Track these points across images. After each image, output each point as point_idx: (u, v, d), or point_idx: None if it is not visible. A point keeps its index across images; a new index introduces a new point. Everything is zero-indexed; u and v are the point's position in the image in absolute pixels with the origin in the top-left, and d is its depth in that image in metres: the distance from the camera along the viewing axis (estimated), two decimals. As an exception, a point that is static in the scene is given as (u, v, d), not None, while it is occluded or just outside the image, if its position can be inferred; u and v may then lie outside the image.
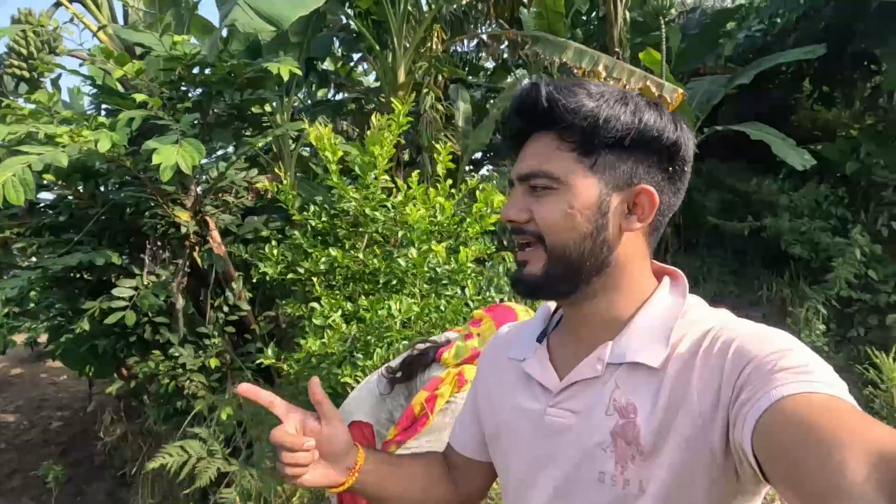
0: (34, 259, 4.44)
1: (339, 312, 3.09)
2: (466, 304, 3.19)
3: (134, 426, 4.82)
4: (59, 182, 3.99)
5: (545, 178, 0.77)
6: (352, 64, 8.62)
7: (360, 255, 3.41)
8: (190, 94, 4.14)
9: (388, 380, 1.93)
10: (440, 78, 6.84)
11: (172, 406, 4.25)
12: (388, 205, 3.59)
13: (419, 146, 6.59)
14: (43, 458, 5.36)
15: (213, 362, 4.16)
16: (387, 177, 3.68)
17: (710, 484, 0.69)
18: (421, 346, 1.95)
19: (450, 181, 3.64)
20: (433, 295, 3.29)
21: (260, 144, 4.37)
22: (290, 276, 3.46)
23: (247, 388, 0.85)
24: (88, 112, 4.65)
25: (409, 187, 3.55)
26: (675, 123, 0.78)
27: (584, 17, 8.44)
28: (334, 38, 6.51)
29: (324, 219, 3.65)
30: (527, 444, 0.86)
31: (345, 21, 6.46)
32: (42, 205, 4.39)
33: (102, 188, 4.49)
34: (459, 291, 3.39)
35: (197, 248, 4.41)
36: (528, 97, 0.78)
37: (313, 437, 0.86)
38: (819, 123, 8.44)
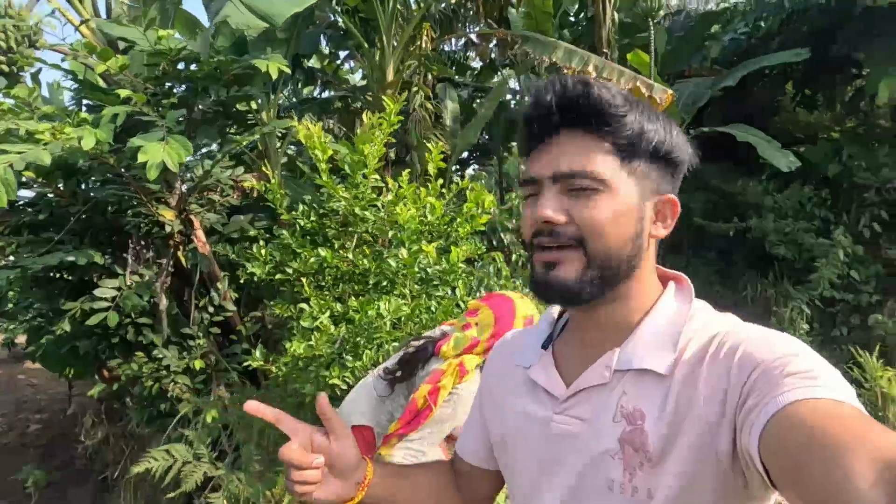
0: (13, 258, 4.35)
1: (328, 313, 3.05)
2: (457, 305, 3.17)
3: (116, 429, 4.73)
4: (39, 179, 3.89)
5: (590, 180, 0.74)
6: (338, 62, 8.56)
7: (350, 256, 3.37)
8: (175, 90, 4.06)
9: (387, 381, 1.92)
10: (429, 77, 6.81)
11: (156, 409, 4.17)
12: (379, 204, 3.55)
13: (407, 145, 6.55)
14: (22, 461, 5.23)
15: (198, 364, 4.09)
16: (377, 176, 3.65)
17: (718, 490, 0.68)
18: (416, 342, 1.94)
19: (440, 181, 3.61)
20: (424, 296, 3.26)
21: (246, 142, 4.30)
22: (278, 276, 3.41)
23: (253, 406, 0.82)
24: (69, 108, 4.54)
25: (399, 186, 3.52)
26: (685, 139, 0.81)
27: (572, 18, 8.47)
28: (322, 36, 6.45)
29: (313, 218, 3.61)
30: (534, 452, 0.84)
31: (332, 18, 6.40)
32: (21, 203, 4.28)
33: (84, 186, 4.39)
34: (450, 292, 3.36)
35: (181, 247, 4.34)
36: (571, 92, 0.75)
37: (322, 453, 0.84)
38: (801, 126, 8.57)
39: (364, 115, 3.59)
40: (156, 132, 3.27)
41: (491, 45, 7.96)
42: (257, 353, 3.26)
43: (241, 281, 3.79)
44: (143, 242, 4.18)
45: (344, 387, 2.79)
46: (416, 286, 3.31)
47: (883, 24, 6.31)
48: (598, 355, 0.79)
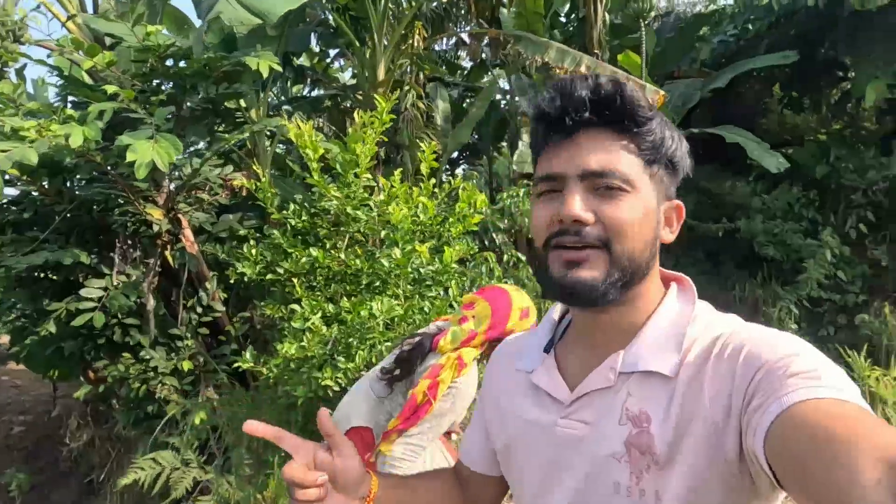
0: (-4, 258, 4.26)
1: (320, 314, 3.01)
2: (450, 306, 3.15)
3: (101, 431, 4.66)
4: (24, 177, 3.82)
5: (620, 180, 0.73)
6: (328, 60, 8.50)
7: (342, 256, 3.34)
8: (163, 87, 4.00)
9: (385, 381, 1.91)
10: (421, 76, 6.79)
11: (143, 410, 4.11)
12: (371, 204, 3.52)
13: (397, 145, 6.53)
14: (5, 464, 5.14)
15: (186, 365, 4.04)
16: (368, 175, 3.62)
17: (726, 491, 0.68)
18: (412, 340, 1.94)
19: (433, 180, 3.59)
20: (417, 296, 3.24)
21: (235, 140, 4.25)
22: (269, 276, 3.37)
23: (253, 427, 0.79)
24: (54, 104, 4.46)
25: (391, 186, 3.49)
26: (688, 148, 0.83)
27: (563, 19, 8.48)
28: (312, 33, 6.40)
29: (304, 218, 3.57)
30: (539, 457, 0.83)
31: (323, 16, 6.35)
32: (5, 201, 4.20)
33: (70, 184, 4.33)
34: (442, 292, 3.34)
35: (169, 246, 4.29)
36: (605, 89, 0.73)
37: (325, 470, 0.82)
38: (787, 128, 8.66)
39: (356, 114, 3.56)
40: (144, 130, 3.21)
41: (482, 45, 7.95)
42: (247, 355, 3.21)
43: (231, 281, 3.75)
44: (130, 241, 4.13)
45: (336, 388, 2.76)
46: (408, 286, 3.29)
47: (869, 28, 6.38)
48: (601, 358, 0.78)
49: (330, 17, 6.14)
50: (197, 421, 3.61)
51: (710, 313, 0.79)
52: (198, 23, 4.80)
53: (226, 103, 4.34)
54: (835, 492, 0.50)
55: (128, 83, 3.68)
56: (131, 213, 4.03)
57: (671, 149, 0.77)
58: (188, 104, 4.12)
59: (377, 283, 3.29)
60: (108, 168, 3.69)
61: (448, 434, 2.09)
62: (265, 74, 3.69)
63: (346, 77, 9.73)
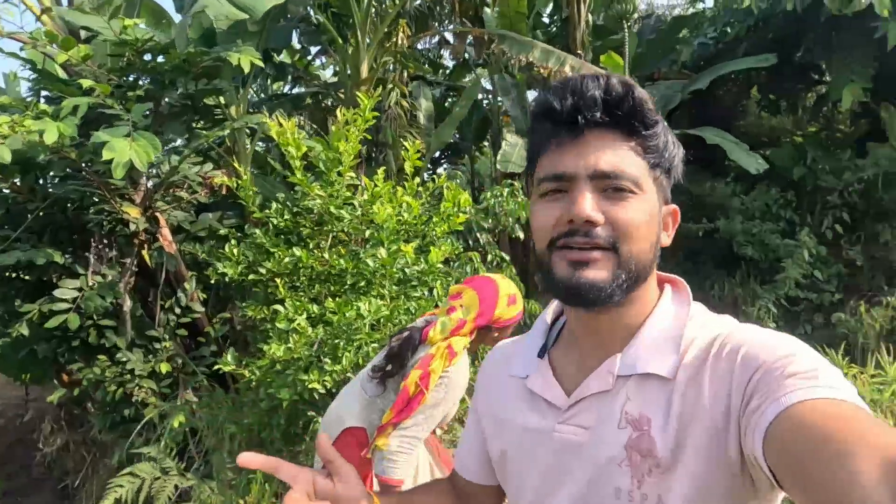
0: (-36, 257, 4.12)
1: (305, 315, 2.96)
2: (436, 306, 3.12)
3: (76, 436, 4.54)
4: (-6, 174, 3.70)
5: (629, 181, 0.72)
6: (310, 57, 8.41)
7: (326, 255, 3.29)
8: (141, 83, 3.91)
9: (377, 379, 1.90)
10: (405, 74, 6.75)
11: (119, 414, 4.02)
12: (355, 203, 3.48)
13: (378, 143, 6.48)
14: (-26, 470, 4.99)
15: (164, 367, 3.96)
16: (352, 174, 3.57)
17: (729, 493, 0.67)
18: (400, 336, 1.94)
19: (417, 179, 3.56)
20: (402, 297, 3.21)
21: (214, 137, 4.17)
22: (251, 276, 3.31)
23: (247, 459, 0.76)
24: (27, 99, 4.34)
25: (374, 185, 3.45)
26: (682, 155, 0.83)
27: (546, 20, 8.51)
28: (294, 30, 6.31)
29: (286, 217, 3.51)
30: (538, 464, 0.82)
31: (305, 12, 6.27)
32: (-26, 199, 4.07)
33: (43, 181, 4.21)
34: (427, 293, 3.32)
35: (146, 246, 4.20)
36: (616, 90, 0.72)
37: (327, 497, 0.79)
38: (765, 129, 8.82)
39: (339, 112, 3.51)
40: (121, 127, 3.12)
41: (466, 44, 7.94)
42: (228, 357, 3.15)
43: (211, 281, 3.68)
44: (105, 241, 4.04)
45: (322, 391, 2.71)
46: (394, 287, 3.26)
47: (846, 33, 6.51)
48: (598, 361, 0.78)
49: (312, 14, 6.06)
50: (175, 424, 3.53)
51: (706, 314, 0.79)
52: (177, 17, 4.71)
53: (205, 100, 4.26)
54: (834, 492, 0.50)
55: (104, 78, 3.58)
56: (107, 211, 3.94)
57: (673, 153, 0.77)
58: (166, 100, 4.03)
59: (362, 284, 3.25)
60: (84, 165, 3.59)
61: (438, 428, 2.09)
62: (246, 70, 3.63)
63: (328, 75, 9.63)
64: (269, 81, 8.14)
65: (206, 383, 4.15)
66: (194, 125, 4.54)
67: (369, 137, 3.75)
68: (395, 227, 3.33)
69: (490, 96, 8.91)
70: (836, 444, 0.52)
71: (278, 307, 3.09)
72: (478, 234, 4.77)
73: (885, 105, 6.88)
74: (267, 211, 3.51)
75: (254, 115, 4.61)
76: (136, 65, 3.72)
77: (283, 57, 7.54)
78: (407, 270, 3.24)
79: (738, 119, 8.74)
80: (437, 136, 6.58)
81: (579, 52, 6.23)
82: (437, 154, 9.48)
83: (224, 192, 5.06)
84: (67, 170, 3.96)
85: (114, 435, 4.10)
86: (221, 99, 4.60)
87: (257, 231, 3.43)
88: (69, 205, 4.08)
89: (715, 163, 7.38)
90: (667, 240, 0.80)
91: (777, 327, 5.99)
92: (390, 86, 6.09)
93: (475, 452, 0.98)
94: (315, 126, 7.39)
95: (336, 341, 2.82)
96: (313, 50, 7.94)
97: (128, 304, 3.95)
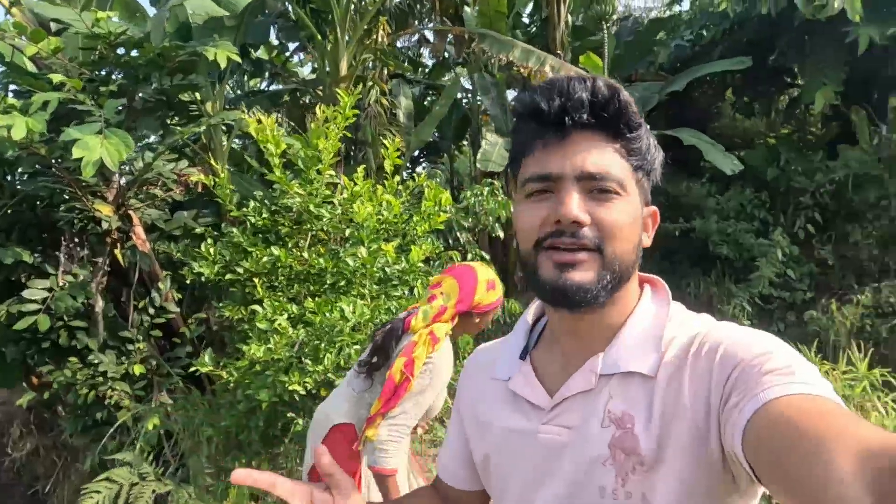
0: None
1: (285, 315, 2.92)
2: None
3: (46, 440, 4.42)
4: (-41, 170, 3.58)
5: (615, 183, 0.73)
6: (287, 54, 8.31)
7: (305, 255, 3.25)
8: (114, 77, 3.81)
9: (364, 374, 1.93)
10: (385, 72, 6.70)
11: (91, 418, 3.91)
12: (335, 201, 3.44)
13: (357, 141, 6.43)
14: (-62, 477, 4.81)
15: (138, 369, 3.87)
16: (332, 172, 3.53)
17: (712, 489, 0.68)
18: (383, 329, 1.96)
19: (397, 178, 3.54)
20: (383, 296, 3.18)
21: (189, 134, 4.08)
22: (228, 276, 3.25)
23: (242, 475, 0.74)
24: (-7, 93, 4.20)
25: (354, 184, 3.41)
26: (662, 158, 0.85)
27: (526, 20, 8.54)
28: (272, 26, 6.23)
29: (264, 215, 3.45)
30: (522, 466, 0.82)
31: (283, 7, 6.19)
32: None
33: (10, 178, 4.09)
34: (408, 292, 3.30)
35: (119, 244, 4.10)
36: (603, 92, 0.73)
37: None
38: (739, 131, 8.98)
39: (318, 109, 3.46)
40: (92, 124, 3.04)
41: (447, 43, 7.92)
42: (206, 358, 3.08)
43: (186, 281, 3.60)
44: (76, 239, 3.94)
45: (303, 392, 2.67)
46: (374, 286, 3.23)
47: (819, 37, 6.65)
48: (580, 361, 0.78)
49: (290, 9, 5.98)
50: (150, 427, 3.46)
51: (685, 313, 0.80)
52: (151, 11, 4.60)
53: (180, 95, 4.17)
54: (811, 486, 0.50)
55: (75, 72, 3.49)
56: (78, 209, 3.84)
57: (654, 156, 0.79)
58: (140, 95, 3.94)
59: (342, 283, 3.22)
60: (54, 161, 3.49)
61: (413, 429, 2.10)
62: (223, 65, 3.56)
63: (306, 72, 9.54)
64: (245, 78, 8.03)
65: (181, 385, 4.07)
66: (169, 121, 4.45)
67: (349, 135, 3.70)
68: (375, 226, 3.30)
69: (469, 95, 8.91)
70: (813, 439, 0.52)
71: (256, 307, 3.04)
72: (458, 234, 4.76)
73: (855, 108, 7.05)
74: (244, 209, 3.45)
75: (230, 111, 4.53)
76: (109, 58, 3.63)
77: (261, 53, 7.45)
78: (387, 270, 3.21)
79: (713, 121, 8.89)
80: (416, 135, 6.56)
81: (559, 52, 6.26)
82: (417, 153, 9.45)
83: (200, 189, 4.97)
84: (37, 166, 3.85)
85: (86, 439, 4.00)
86: (197, 95, 4.52)
87: (234, 230, 3.37)
88: (38, 202, 3.98)
89: (690, 163, 7.49)
90: (647, 241, 0.81)
91: (751, 325, 6.06)
92: (370, 83, 6.04)
93: (459, 458, 0.98)
94: (293, 123, 7.31)
95: (317, 342, 2.78)
96: (291, 46, 7.85)
97: (100, 304, 3.86)
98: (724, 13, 7.49)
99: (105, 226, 3.85)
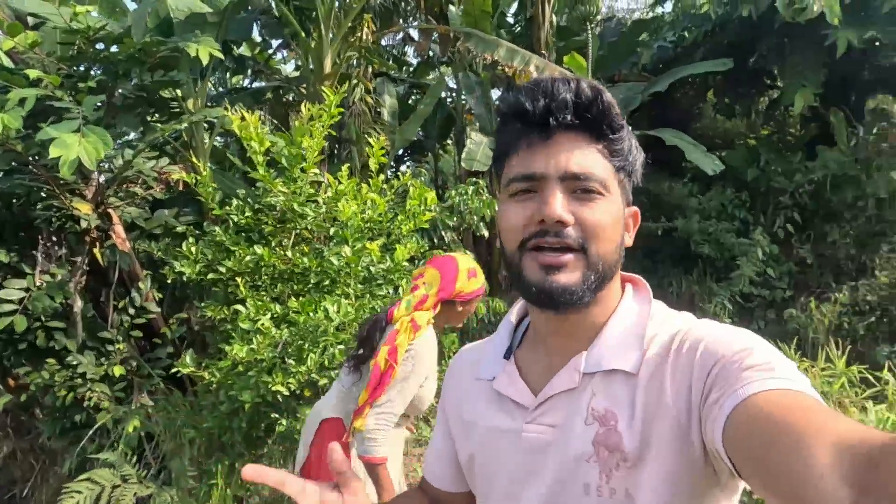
0: None
1: (268, 315, 2.89)
2: (402, 305, 3.08)
3: (23, 443, 4.32)
4: (-69, 167, 3.49)
5: (598, 183, 0.74)
6: (270, 51, 8.23)
7: (289, 254, 3.22)
8: (92, 73, 3.74)
9: (352, 367, 1.97)
10: (370, 70, 6.67)
11: (69, 420, 3.83)
12: (319, 200, 3.41)
13: (341, 139, 6.39)
14: None
15: (118, 370, 3.80)
16: (316, 170, 3.50)
17: (696, 484, 0.69)
18: (367, 323, 2.00)
19: (382, 176, 3.52)
20: (368, 295, 3.16)
21: (170, 131, 4.02)
22: (210, 275, 3.20)
23: (253, 472, 0.73)
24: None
25: (339, 182, 3.39)
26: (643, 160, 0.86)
27: (510, 19, 8.56)
28: (254, 22, 6.16)
29: (247, 214, 3.41)
30: (507, 465, 0.82)
31: (266, 4, 6.13)
32: None
33: (-15, 175, 3.98)
34: (392, 291, 3.28)
35: (98, 243, 4.02)
36: (586, 93, 0.74)
37: None
38: (719, 132, 9.10)
39: (303, 107, 3.43)
40: (70, 121, 2.97)
41: (432, 41, 7.91)
42: (187, 358, 3.04)
43: (167, 280, 3.55)
44: (54, 238, 3.86)
45: (286, 393, 2.64)
46: (359, 286, 3.21)
47: (798, 40, 6.75)
48: (564, 360, 0.79)
49: (274, 6, 5.93)
50: (130, 429, 3.40)
51: (666, 311, 0.81)
52: (132, 6, 4.53)
53: (161, 92, 4.11)
54: (792, 480, 0.51)
55: (53, 67, 3.41)
56: (56, 207, 3.76)
57: (635, 157, 0.80)
58: (120, 92, 3.87)
59: (326, 283, 3.19)
60: (31, 159, 3.41)
61: (408, 427, 2.16)
62: (205, 61, 3.52)
63: (289, 69, 9.46)
64: (228, 74, 7.95)
65: (162, 386, 4.00)
66: (149, 118, 4.38)
67: (333, 133, 3.68)
68: (359, 225, 3.28)
69: (454, 94, 8.91)
70: (792, 434, 0.53)
71: (239, 307, 3.01)
72: (443, 232, 4.76)
73: (833, 110, 7.18)
74: (227, 207, 3.41)
75: (213, 108, 4.48)
76: (88, 54, 3.56)
77: (244, 49, 7.37)
78: (372, 269, 3.20)
79: (694, 121, 9.00)
80: (401, 134, 6.54)
81: (543, 52, 6.28)
82: (401, 151, 9.43)
83: (181, 187, 4.90)
84: (13, 163, 3.76)
85: (64, 442, 3.92)
86: (178, 91, 4.46)
87: (216, 228, 3.33)
88: (15, 200, 3.90)
89: (672, 163, 7.57)
90: (629, 240, 0.82)
91: (732, 323, 6.11)
92: (354, 81, 6.00)
93: (445, 458, 0.98)
94: (276, 121, 7.24)
95: (301, 342, 2.75)
96: (275, 43, 7.78)
97: (78, 304, 3.78)
98: (706, 15, 7.58)
99: (84, 224, 3.77)
